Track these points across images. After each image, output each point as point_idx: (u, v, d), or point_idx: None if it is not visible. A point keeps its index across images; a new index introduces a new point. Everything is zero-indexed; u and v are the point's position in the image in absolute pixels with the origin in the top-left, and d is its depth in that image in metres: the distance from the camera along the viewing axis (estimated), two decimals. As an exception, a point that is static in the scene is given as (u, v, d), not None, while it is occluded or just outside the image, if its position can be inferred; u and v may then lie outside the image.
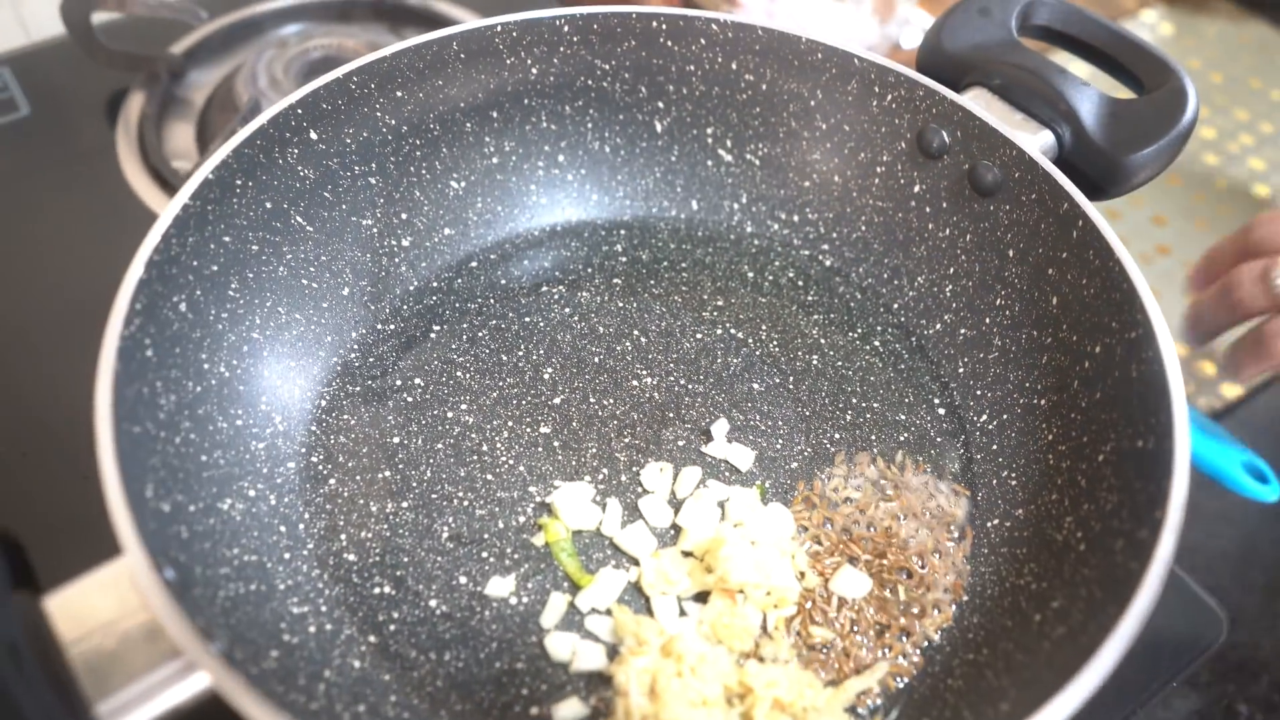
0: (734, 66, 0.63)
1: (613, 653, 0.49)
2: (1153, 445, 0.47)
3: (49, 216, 0.75)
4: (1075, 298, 0.54)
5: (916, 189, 0.62)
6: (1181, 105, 0.56)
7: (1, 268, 0.71)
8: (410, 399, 0.57)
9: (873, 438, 0.58)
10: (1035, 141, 0.57)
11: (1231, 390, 0.81)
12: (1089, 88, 0.57)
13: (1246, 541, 0.71)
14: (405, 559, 0.51)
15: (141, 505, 0.41)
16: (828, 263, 0.66)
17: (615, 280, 0.64)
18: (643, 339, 0.61)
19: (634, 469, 0.56)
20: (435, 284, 0.63)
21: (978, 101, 0.59)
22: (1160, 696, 0.58)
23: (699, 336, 0.62)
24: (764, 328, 0.62)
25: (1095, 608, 0.44)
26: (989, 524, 0.54)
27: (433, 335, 0.60)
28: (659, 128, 0.66)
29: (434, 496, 0.54)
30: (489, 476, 0.55)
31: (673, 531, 0.54)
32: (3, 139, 0.80)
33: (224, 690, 0.36)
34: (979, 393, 0.59)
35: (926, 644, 0.50)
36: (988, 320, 0.59)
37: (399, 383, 0.58)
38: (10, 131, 0.80)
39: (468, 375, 0.59)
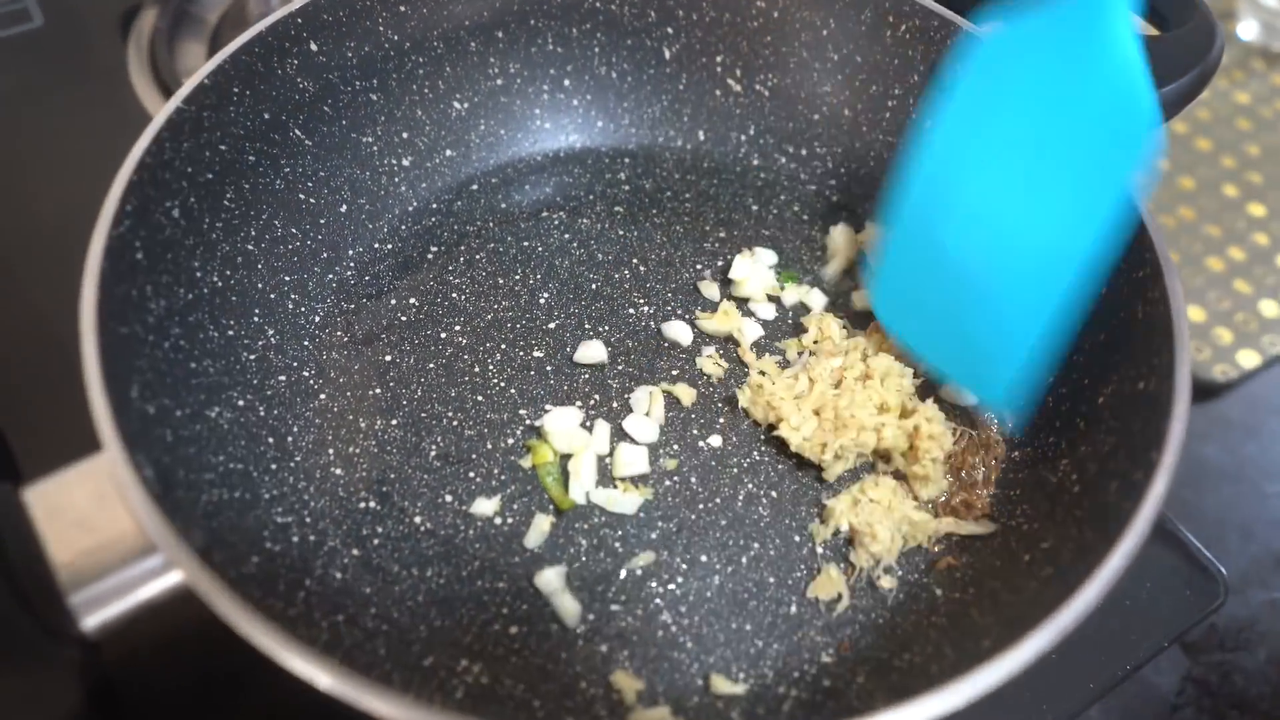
0: (747, -8, 0.62)
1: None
2: (1153, 387, 0.46)
3: (58, 127, 0.74)
4: (1084, 237, 0.53)
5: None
6: (1205, 42, 0.54)
7: (9, 175, 0.71)
8: (404, 318, 0.57)
9: (871, 375, 0.57)
10: (1052, 76, 0.55)
11: (1249, 359, 0.79)
12: (1111, 22, 0.55)
13: (1255, 509, 0.70)
14: (392, 475, 0.51)
15: (125, 404, 0.41)
16: (834, 199, 0.64)
17: (617, 208, 0.63)
18: (641, 268, 0.60)
19: (625, 396, 0.55)
20: (434, 205, 0.62)
21: (996, 34, 0.57)
22: (1155, 660, 0.58)
23: (699, 268, 0.61)
24: (766, 261, 0.61)
25: (1085, 548, 0.43)
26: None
27: (430, 256, 0.60)
28: (667, 54, 0.64)
29: (423, 415, 0.53)
30: (479, 398, 0.54)
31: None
32: (16, 50, 0.79)
33: (198, 588, 0.36)
34: (982, 334, 0.57)
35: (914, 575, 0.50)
36: (995, 260, 0.58)
37: (394, 302, 0.58)
38: (23, 42, 0.80)
39: (463, 297, 0.58)
